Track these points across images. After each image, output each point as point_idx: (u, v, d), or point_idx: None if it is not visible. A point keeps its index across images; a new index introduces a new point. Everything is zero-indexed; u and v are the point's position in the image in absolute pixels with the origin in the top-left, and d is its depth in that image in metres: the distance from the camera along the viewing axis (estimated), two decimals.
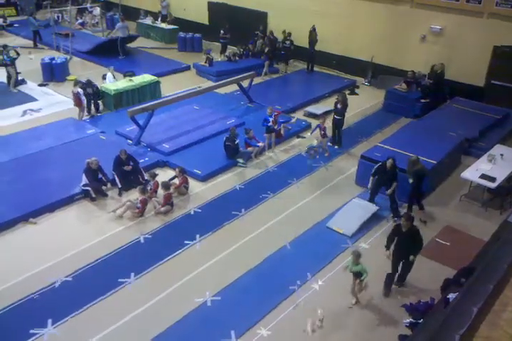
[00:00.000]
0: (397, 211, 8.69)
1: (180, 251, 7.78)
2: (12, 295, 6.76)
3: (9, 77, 14.20)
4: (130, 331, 6.28)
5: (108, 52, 16.67)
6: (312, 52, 16.10)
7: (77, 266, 7.35)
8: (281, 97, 14.10)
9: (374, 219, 8.59)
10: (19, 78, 14.49)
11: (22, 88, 14.35)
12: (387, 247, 6.97)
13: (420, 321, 6.13)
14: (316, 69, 16.55)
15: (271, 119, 11.03)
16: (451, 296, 5.71)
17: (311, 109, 13.34)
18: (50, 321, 6.37)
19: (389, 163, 8.36)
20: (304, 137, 11.85)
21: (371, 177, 8.74)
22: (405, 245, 6.70)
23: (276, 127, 11.20)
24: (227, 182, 9.86)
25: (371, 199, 8.92)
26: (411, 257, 6.72)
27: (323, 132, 10.83)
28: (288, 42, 16.38)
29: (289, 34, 16.35)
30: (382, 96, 13.84)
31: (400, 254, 6.81)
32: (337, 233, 8.23)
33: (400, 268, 6.94)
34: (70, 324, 6.38)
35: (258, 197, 9.30)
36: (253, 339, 6.16)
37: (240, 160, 10.46)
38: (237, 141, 10.41)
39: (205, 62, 16.09)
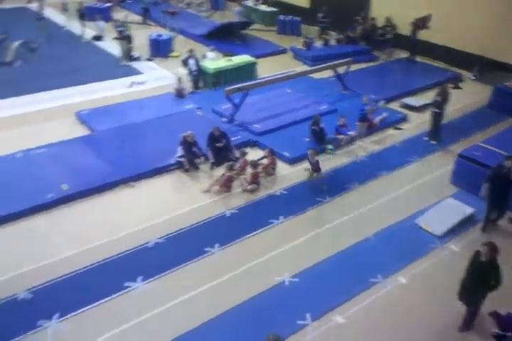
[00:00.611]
0: (492, 221, 7.83)
1: (263, 229, 7.97)
2: (109, 250, 7.39)
3: (124, 50, 15.13)
4: (208, 299, 6.58)
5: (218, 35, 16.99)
6: (415, 41, 15.31)
7: (168, 230, 7.84)
8: (377, 86, 13.67)
9: (469, 222, 8.10)
10: (136, 55, 15.34)
11: (131, 62, 15.21)
12: None
13: (508, 334, 5.78)
14: (418, 59, 15.74)
15: (366, 108, 10.76)
16: None
17: (408, 100, 12.76)
18: (140, 278, 6.90)
19: (509, 162, 7.23)
20: (401, 128, 11.45)
21: (485, 184, 7.54)
22: (476, 279, 5.72)
23: (371, 117, 10.90)
24: None
25: (488, 213, 7.75)
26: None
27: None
28: (389, 28, 15.69)
29: (389, 20, 15.63)
30: (488, 93, 12.83)
31: (465, 290, 5.88)
32: (425, 231, 7.91)
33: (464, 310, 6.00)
34: (158, 283, 6.85)
35: (344, 186, 9.19)
36: (328, 325, 6.19)
37: (329, 147, 10.37)
38: (322, 126, 10.30)
39: (303, 46, 15.98)
